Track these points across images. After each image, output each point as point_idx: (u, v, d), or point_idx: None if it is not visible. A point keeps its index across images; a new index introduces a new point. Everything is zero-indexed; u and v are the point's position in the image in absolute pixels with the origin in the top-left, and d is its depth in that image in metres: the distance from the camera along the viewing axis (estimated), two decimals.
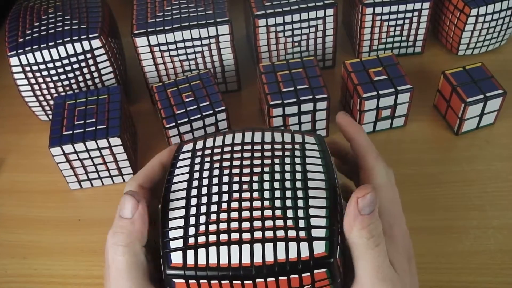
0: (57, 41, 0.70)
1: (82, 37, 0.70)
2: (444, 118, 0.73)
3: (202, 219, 0.45)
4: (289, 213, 0.45)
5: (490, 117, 0.71)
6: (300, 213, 0.45)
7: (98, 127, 0.66)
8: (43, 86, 0.73)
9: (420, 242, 0.60)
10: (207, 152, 0.51)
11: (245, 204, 0.45)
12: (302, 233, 0.43)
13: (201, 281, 0.43)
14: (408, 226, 0.61)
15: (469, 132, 0.72)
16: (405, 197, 0.64)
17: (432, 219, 0.62)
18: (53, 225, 0.67)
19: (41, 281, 0.62)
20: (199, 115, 0.67)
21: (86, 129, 0.66)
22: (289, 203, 0.45)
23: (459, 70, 0.71)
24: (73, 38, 0.70)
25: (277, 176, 0.48)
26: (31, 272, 0.62)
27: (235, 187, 0.47)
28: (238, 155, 0.50)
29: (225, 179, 0.48)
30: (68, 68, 0.72)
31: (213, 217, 0.45)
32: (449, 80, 0.70)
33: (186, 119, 0.67)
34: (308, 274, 0.43)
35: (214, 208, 0.45)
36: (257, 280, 0.42)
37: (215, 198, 0.46)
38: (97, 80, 0.74)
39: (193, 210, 0.46)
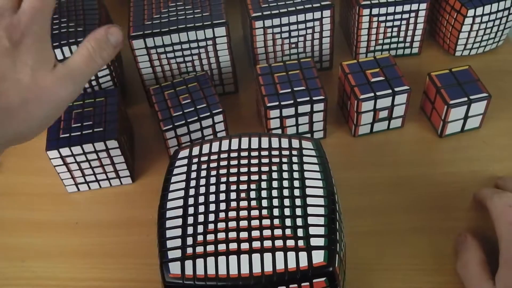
0: (54, 44, 0.70)
1: (78, 39, 0.70)
2: (429, 120, 0.73)
3: (200, 228, 0.45)
4: (288, 222, 0.45)
5: (475, 121, 0.71)
6: (299, 222, 0.45)
7: (95, 130, 0.66)
8: None
9: (419, 243, 0.60)
10: (203, 159, 0.51)
11: (243, 213, 0.45)
12: (300, 243, 0.43)
13: None
14: (407, 227, 0.62)
15: (455, 134, 0.72)
16: (403, 198, 0.65)
17: (431, 220, 0.62)
18: (51, 228, 0.67)
19: (39, 284, 0.61)
20: (196, 117, 0.67)
21: (83, 132, 0.65)
22: (287, 211, 0.45)
23: (445, 72, 0.71)
24: (70, 40, 0.70)
25: (275, 184, 0.48)
26: (29, 275, 0.62)
27: (233, 195, 0.47)
28: (235, 162, 0.50)
29: (223, 187, 0.48)
30: None
31: (211, 226, 0.45)
32: (434, 82, 0.70)
33: (183, 121, 0.67)
34: (307, 283, 0.43)
35: (211, 217, 0.46)
36: None
37: (212, 207, 0.46)
38: (94, 83, 0.74)
39: (190, 220, 0.46)
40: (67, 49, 0.70)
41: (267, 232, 0.44)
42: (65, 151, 0.65)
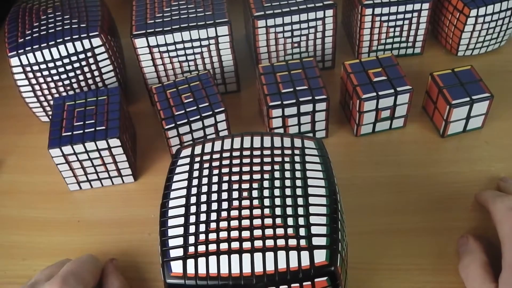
0: (57, 40, 0.70)
1: (82, 35, 0.70)
2: (431, 120, 0.73)
3: (202, 227, 0.45)
4: (290, 221, 0.45)
5: (478, 121, 0.71)
6: (301, 221, 0.45)
7: (97, 128, 0.66)
8: (44, 86, 0.73)
9: (421, 243, 0.60)
10: (205, 158, 0.51)
11: (245, 212, 0.45)
12: (302, 242, 0.43)
13: None
14: (409, 227, 0.62)
15: (457, 134, 0.72)
16: (405, 198, 0.65)
17: (433, 220, 0.62)
18: (53, 226, 0.67)
19: None
20: (198, 116, 0.67)
21: (85, 130, 0.65)
22: (289, 211, 0.45)
23: (448, 72, 0.71)
24: (73, 36, 0.70)
25: (277, 183, 0.48)
26: (30, 273, 0.62)
27: (235, 194, 0.47)
28: (237, 161, 0.50)
29: (225, 186, 0.48)
30: (68, 67, 0.72)
31: (213, 225, 0.45)
32: (436, 82, 0.70)
33: (185, 120, 0.67)
34: (309, 282, 0.43)
35: (213, 216, 0.45)
36: None
37: (214, 206, 0.46)
38: (97, 79, 0.74)
39: (192, 218, 0.46)
40: (71, 45, 0.70)
41: (269, 231, 0.44)
42: (67, 149, 0.65)
